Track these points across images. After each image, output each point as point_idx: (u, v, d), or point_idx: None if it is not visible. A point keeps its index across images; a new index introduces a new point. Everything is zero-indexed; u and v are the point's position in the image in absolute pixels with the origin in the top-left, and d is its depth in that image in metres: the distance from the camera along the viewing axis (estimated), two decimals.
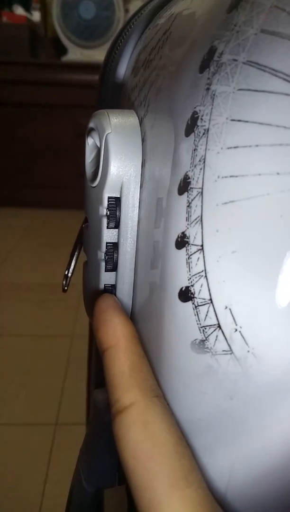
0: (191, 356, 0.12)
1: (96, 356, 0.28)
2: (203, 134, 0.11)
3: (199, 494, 0.11)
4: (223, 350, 0.11)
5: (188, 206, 0.11)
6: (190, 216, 0.11)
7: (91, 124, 0.16)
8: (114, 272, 0.17)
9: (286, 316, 0.10)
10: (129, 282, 0.17)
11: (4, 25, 1.88)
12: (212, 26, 0.11)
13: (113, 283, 0.17)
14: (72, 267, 0.21)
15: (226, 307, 0.11)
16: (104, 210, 0.16)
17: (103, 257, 0.16)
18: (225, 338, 0.11)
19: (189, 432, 0.13)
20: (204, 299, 0.11)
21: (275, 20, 0.09)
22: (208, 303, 0.11)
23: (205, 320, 0.11)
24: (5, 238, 1.74)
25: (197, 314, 0.11)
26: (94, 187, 0.16)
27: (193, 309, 0.11)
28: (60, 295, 1.16)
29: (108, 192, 0.15)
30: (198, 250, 0.11)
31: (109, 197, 0.15)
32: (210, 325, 0.11)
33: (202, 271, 0.11)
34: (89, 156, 0.17)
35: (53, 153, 1.99)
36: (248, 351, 0.10)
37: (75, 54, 1.91)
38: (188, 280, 0.11)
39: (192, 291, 0.11)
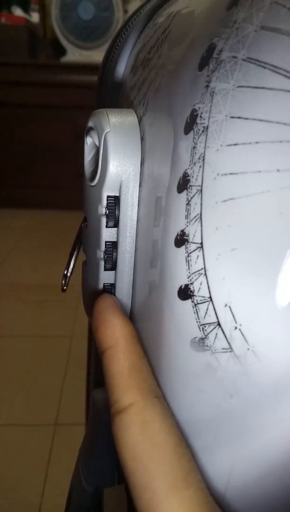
0: (190, 354, 0.12)
1: (96, 356, 0.28)
2: (203, 131, 0.11)
3: (198, 495, 0.11)
4: (223, 348, 0.11)
5: (187, 204, 0.11)
6: (190, 214, 0.11)
7: (90, 123, 0.16)
8: (113, 271, 0.17)
9: (286, 314, 0.10)
10: (129, 281, 0.17)
11: (2, 26, 1.89)
12: (211, 23, 0.11)
13: (112, 282, 0.17)
14: (71, 266, 0.21)
15: (225, 305, 0.10)
16: (103, 209, 0.16)
17: (102, 256, 0.16)
18: (225, 336, 0.11)
19: (188, 432, 0.13)
20: (203, 297, 0.11)
21: (275, 16, 0.09)
22: (207, 301, 0.11)
23: (204, 318, 0.11)
24: (4, 238, 1.74)
25: (197, 312, 0.11)
26: (93, 186, 0.16)
27: (193, 307, 0.11)
28: (59, 295, 1.16)
29: (107, 191, 0.15)
30: (198, 248, 0.11)
31: (108, 196, 0.15)
32: (209, 323, 0.11)
33: (202, 269, 0.11)
34: (88, 155, 0.17)
35: (52, 154, 1.99)
36: (248, 349, 0.10)
37: (74, 55, 1.91)
38: (188, 278, 0.11)
39: (192, 289, 0.11)
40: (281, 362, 0.10)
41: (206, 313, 0.11)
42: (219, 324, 0.11)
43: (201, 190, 0.11)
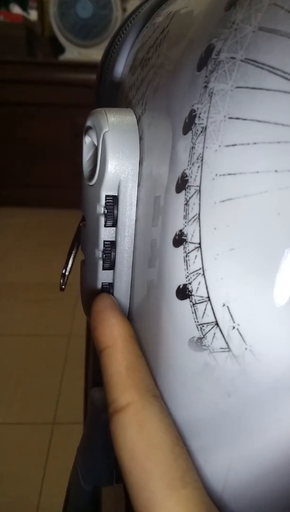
0: (188, 354, 0.12)
1: (94, 355, 0.28)
2: (201, 132, 0.11)
3: (195, 495, 0.11)
4: (221, 348, 0.11)
5: (186, 204, 0.11)
6: (188, 214, 0.11)
7: (88, 123, 0.16)
8: (112, 271, 0.17)
9: (284, 314, 0.10)
10: (127, 281, 0.17)
11: (1, 24, 1.88)
12: (209, 24, 0.11)
13: (110, 281, 0.17)
14: (69, 265, 0.21)
15: (223, 305, 0.11)
16: (101, 209, 0.16)
17: (100, 256, 0.16)
18: (223, 336, 0.11)
19: (187, 432, 0.13)
20: (201, 296, 0.11)
21: (273, 17, 0.09)
22: (205, 301, 0.11)
23: (202, 317, 0.11)
24: (2, 237, 1.74)
25: (195, 312, 0.11)
26: (92, 185, 0.16)
27: (191, 307, 0.11)
28: (57, 295, 1.16)
29: (106, 190, 0.15)
30: (196, 248, 0.11)
31: (106, 196, 0.15)
32: (207, 323, 0.11)
33: (200, 268, 0.11)
34: (87, 155, 0.17)
35: (50, 152, 1.99)
36: (246, 349, 0.10)
37: (72, 53, 1.90)
38: (186, 278, 0.11)
39: (190, 289, 0.11)
40: (280, 361, 0.10)
41: (204, 312, 0.11)
42: (217, 324, 0.11)
43: (199, 190, 0.11)
